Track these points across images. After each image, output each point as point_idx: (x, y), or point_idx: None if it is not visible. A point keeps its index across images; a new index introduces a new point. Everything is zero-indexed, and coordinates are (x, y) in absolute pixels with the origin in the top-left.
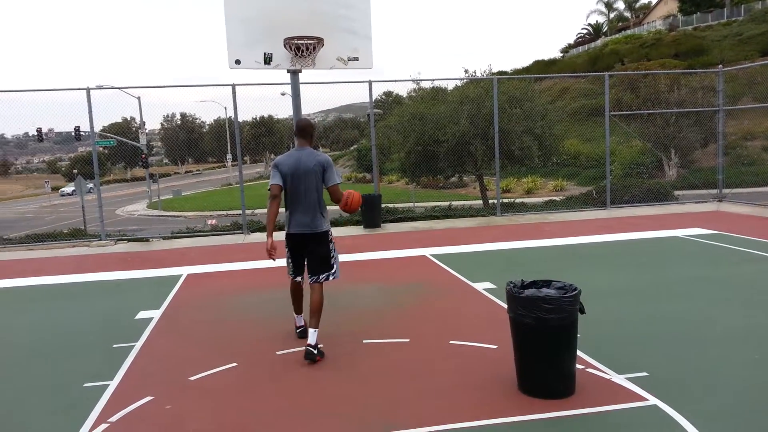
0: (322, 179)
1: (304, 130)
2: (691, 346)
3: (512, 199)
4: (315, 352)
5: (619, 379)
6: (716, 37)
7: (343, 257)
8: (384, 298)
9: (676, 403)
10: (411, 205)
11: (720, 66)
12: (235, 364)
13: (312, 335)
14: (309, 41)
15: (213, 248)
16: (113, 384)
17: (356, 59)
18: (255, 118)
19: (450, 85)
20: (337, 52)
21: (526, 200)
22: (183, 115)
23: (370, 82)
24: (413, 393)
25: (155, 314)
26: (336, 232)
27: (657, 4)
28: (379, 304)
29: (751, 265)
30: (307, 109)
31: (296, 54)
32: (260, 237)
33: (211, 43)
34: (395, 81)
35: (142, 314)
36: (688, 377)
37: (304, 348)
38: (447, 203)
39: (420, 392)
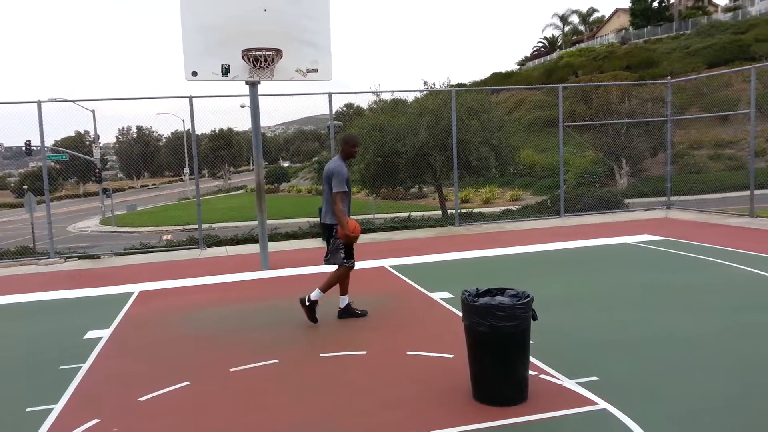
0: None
1: (340, 141)
2: (640, 350)
3: (470, 209)
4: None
5: (571, 384)
6: (666, 49)
7: (301, 270)
8: None
9: (625, 406)
10: (371, 216)
11: (669, 78)
12: (187, 383)
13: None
14: (268, 53)
15: (167, 264)
16: (58, 407)
17: (315, 71)
18: (214, 131)
19: (410, 97)
20: (296, 63)
21: (484, 210)
22: (139, 128)
23: (329, 94)
24: (370, 406)
25: (105, 333)
26: (294, 244)
27: (610, 18)
28: (335, 316)
29: (698, 270)
30: (268, 121)
31: (254, 66)
32: (217, 252)
33: (169, 54)
34: (355, 93)
35: (90, 334)
36: (636, 381)
37: (259, 364)
38: (406, 214)
39: (376, 404)
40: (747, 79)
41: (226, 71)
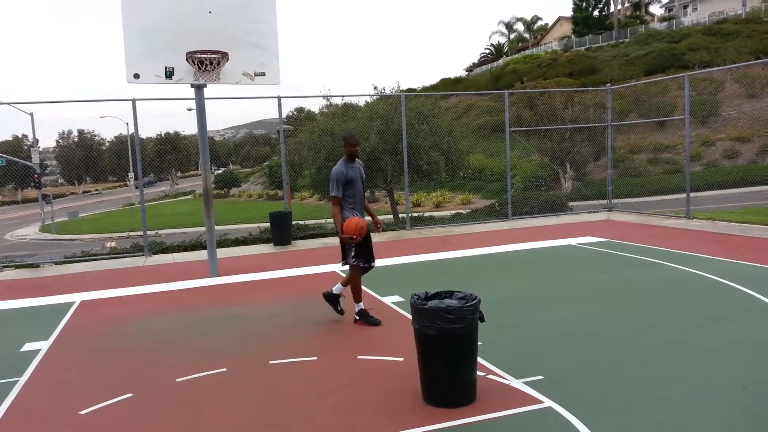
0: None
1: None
2: (583, 348)
3: (422, 213)
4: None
5: (517, 384)
6: (606, 57)
7: (251, 276)
8: (292, 317)
9: (569, 404)
10: (322, 221)
11: (609, 84)
12: (130, 395)
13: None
14: (213, 55)
15: (110, 272)
16: None
17: (263, 74)
18: (160, 135)
19: (361, 102)
20: (243, 67)
21: (435, 214)
22: (81, 132)
23: (279, 98)
24: (320, 411)
25: (43, 345)
26: (244, 250)
27: (553, 26)
28: (287, 322)
29: (637, 270)
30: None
31: (200, 68)
32: (163, 259)
33: (114, 55)
34: (305, 97)
35: (28, 346)
36: (581, 378)
37: (206, 373)
38: None
39: (327, 410)
40: (682, 87)
41: (170, 74)
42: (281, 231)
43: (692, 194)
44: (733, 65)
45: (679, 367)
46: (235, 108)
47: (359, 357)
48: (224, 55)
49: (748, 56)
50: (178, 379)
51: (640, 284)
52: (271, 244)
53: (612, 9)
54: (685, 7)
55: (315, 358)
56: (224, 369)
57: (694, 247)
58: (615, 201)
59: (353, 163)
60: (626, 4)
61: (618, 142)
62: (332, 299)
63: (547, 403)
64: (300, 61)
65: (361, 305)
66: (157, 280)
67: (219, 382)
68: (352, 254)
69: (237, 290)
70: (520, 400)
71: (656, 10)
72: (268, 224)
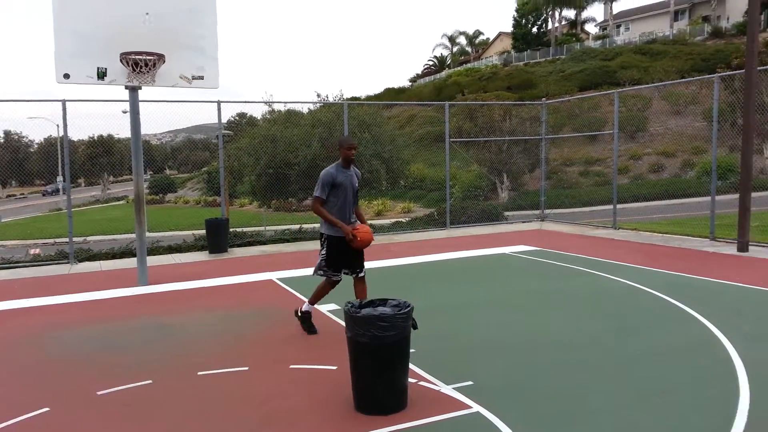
0: None
1: None
2: (513, 354)
3: None
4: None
5: (448, 390)
6: (543, 72)
7: (182, 285)
8: (224, 326)
9: (497, 409)
10: (261, 228)
11: (543, 99)
12: (47, 409)
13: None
14: (149, 57)
15: (32, 280)
16: None
17: (201, 78)
18: (92, 137)
19: (305, 109)
20: (180, 69)
21: (376, 222)
22: (7, 133)
23: (218, 102)
24: (250, 423)
25: None
26: (177, 258)
27: (494, 41)
28: (217, 332)
29: (566, 278)
30: (154, 129)
31: (134, 70)
32: (90, 267)
33: (44, 54)
34: (246, 102)
35: None
36: (509, 384)
37: (130, 386)
38: (297, 226)
39: (257, 421)
40: (613, 102)
41: (102, 74)
42: (217, 238)
43: (619, 206)
44: (660, 83)
45: (604, 373)
46: (173, 111)
47: (292, 366)
48: (160, 57)
49: (674, 75)
50: (99, 392)
51: (569, 292)
52: (207, 251)
53: (550, 26)
54: (618, 26)
55: (246, 368)
56: (150, 381)
57: (620, 257)
58: (548, 211)
59: (347, 169)
60: (563, 22)
61: (552, 155)
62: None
63: (476, 408)
64: (242, 67)
65: (311, 308)
66: (82, 289)
67: (144, 395)
68: (323, 264)
69: (166, 299)
70: (450, 406)
71: (591, 28)
72: (204, 231)
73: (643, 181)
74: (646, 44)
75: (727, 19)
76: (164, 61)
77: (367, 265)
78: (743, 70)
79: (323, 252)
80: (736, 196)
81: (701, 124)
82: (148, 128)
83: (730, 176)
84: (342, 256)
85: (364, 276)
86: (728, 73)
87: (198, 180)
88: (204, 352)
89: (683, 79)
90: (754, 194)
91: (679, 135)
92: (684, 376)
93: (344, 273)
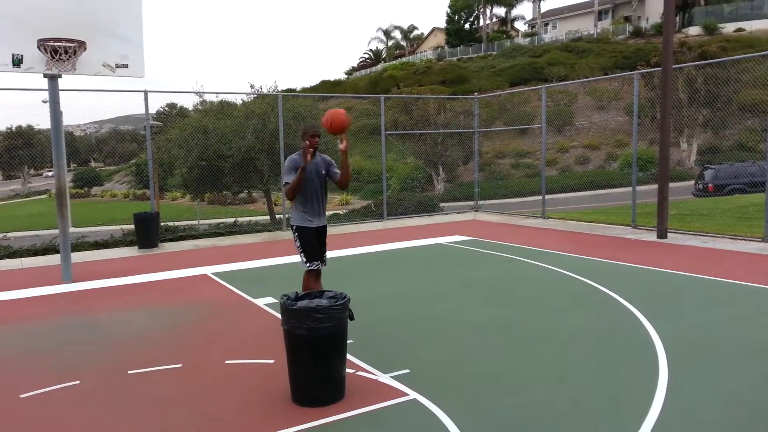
0: None
1: None
2: (447, 341)
3: None
4: None
5: (385, 378)
6: (475, 68)
7: (109, 281)
8: (155, 323)
9: (433, 395)
10: (195, 222)
11: (476, 93)
12: None
13: None
14: (69, 44)
15: None
16: None
17: (126, 66)
18: (10, 128)
19: (238, 100)
20: (103, 57)
21: None
22: None
23: (145, 92)
24: (184, 420)
25: None
26: (104, 253)
27: (428, 35)
28: (148, 329)
29: (498, 265)
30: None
31: (53, 57)
32: (10, 264)
33: None
34: (174, 92)
35: None
36: (444, 370)
37: (57, 387)
38: (232, 219)
39: (191, 418)
40: (541, 97)
41: (18, 62)
42: (147, 233)
43: (548, 196)
44: (585, 80)
45: (535, 355)
46: (98, 101)
47: (228, 362)
48: (81, 44)
49: (599, 72)
50: (22, 395)
51: (500, 279)
52: (136, 247)
53: (481, 23)
54: (546, 24)
55: (179, 365)
56: (77, 382)
57: (548, 245)
58: (481, 202)
59: (313, 158)
60: (494, 20)
61: (485, 148)
62: None
63: (412, 395)
64: (171, 56)
65: None
66: (2, 288)
67: (71, 396)
68: (302, 256)
69: (93, 297)
70: (387, 394)
71: (521, 26)
72: (133, 226)
73: (570, 172)
74: (572, 42)
75: (647, 19)
76: (85, 49)
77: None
78: (660, 68)
79: (297, 245)
80: (656, 186)
81: (623, 118)
82: (70, 119)
83: (650, 168)
84: (314, 246)
85: (321, 270)
86: (647, 70)
87: (126, 173)
88: (134, 351)
89: (606, 76)
90: (671, 184)
91: (603, 129)
92: (607, 355)
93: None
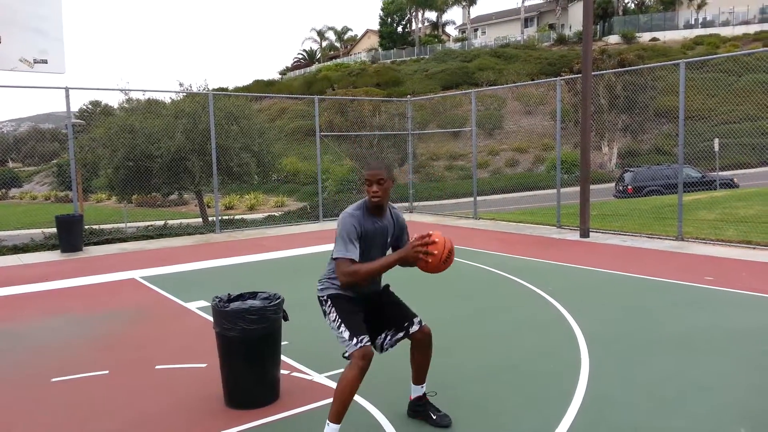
0: None
1: None
2: None
3: (233, 216)
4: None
5: (320, 378)
6: (409, 71)
7: (29, 287)
8: (80, 329)
9: (366, 392)
10: (122, 225)
11: (409, 96)
12: None
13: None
14: None
15: None
16: None
17: (45, 62)
18: None
19: (167, 98)
20: (21, 52)
21: (248, 216)
22: None
23: (66, 89)
24: (110, 427)
25: None
26: (23, 258)
27: (362, 37)
28: (73, 335)
29: None
30: None
31: None
32: None
33: None
34: (98, 89)
35: None
36: (377, 368)
37: None
38: (162, 222)
39: (117, 425)
40: (471, 101)
41: None
42: (70, 236)
43: (480, 198)
44: (513, 84)
45: (463, 351)
46: (16, 98)
47: (158, 367)
48: None
49: (526, 77)
50: None
51: (433, 279)
52: (59, 251)
53: (414, 27)
54: (476, 30)
55: (106, 372)
56: None
57: (479, 244)
58: (416, 203)
59: (377, 217)
60: (426, 24)
61: (419, 150)
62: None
63: None
64: (95, 52)
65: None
66: None
67: None
68: (343, 333)
69: (11, 303)
70: (321, 394)
71: (452, 30)
72: (55, 229)
73: (500, 175)
74: (501, 48)
75: (570, 27)
76: (0, 42)
77: (237, 260)
78: (581, 75)
79: (333, 316)
80: (579, 188)
81: (549, 122)
82: None
83: (574, 170)
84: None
85: (424, 325)
86: (569, 77)
87: (47, 174)
88: (58, 358)
89: (532, 81)
90: (593, 186)
91: (531, 133)
92: (533, 350)
93: (382, 339)
